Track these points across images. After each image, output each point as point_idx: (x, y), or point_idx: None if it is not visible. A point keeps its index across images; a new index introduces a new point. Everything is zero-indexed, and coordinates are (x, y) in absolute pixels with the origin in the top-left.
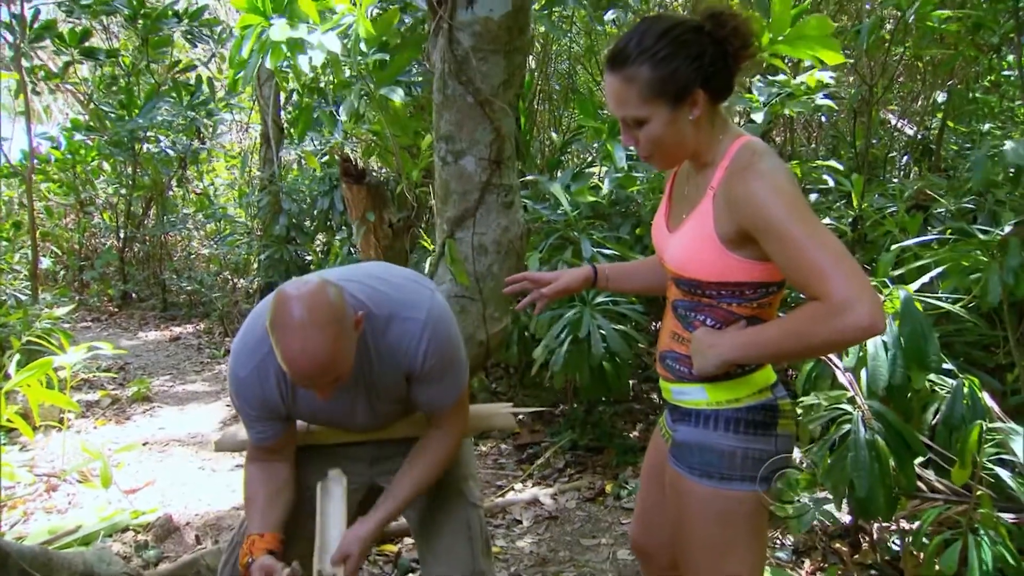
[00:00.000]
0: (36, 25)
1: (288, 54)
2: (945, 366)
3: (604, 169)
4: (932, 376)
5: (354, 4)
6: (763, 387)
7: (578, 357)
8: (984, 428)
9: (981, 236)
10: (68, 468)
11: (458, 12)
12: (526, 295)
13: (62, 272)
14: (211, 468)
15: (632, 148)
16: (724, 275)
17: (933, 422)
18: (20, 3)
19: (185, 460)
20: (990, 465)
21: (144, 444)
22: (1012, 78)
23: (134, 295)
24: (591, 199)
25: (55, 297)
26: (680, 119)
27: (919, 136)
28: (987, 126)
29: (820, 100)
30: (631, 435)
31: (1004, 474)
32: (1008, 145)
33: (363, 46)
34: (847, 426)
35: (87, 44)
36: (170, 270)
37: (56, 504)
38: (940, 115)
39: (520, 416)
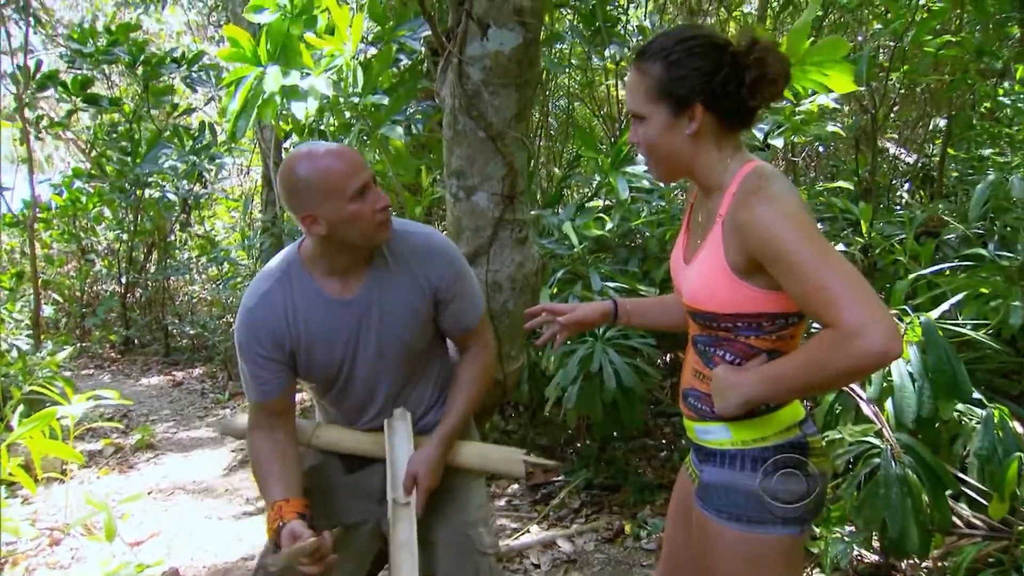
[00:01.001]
0: (39, 75)
1: (281, 103)
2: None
3: (606, 202)
4: (960, 406)
5: (345, 48)
6: (790, 424)
7: (591, 393)
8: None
9: (1000, 262)
10: (72, 521)
11: (468, 47)
12: (540, 333)
13: (64, 320)
14: (217, 517)
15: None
16: (739, 306)
17: (963, 454)
18: (23, 54)
19: (190, 509)
20: None
21: (148, 493)
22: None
23: (136, 341)
24: (596, 232)
25: (56, 345)
26: (677, 129)
27: (919, 163)
28: (988, 152)
29: (829, 128)
30: (646, 472)
31: None
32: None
33: (355, 86)
34: (876, 460)
35: (89, 92)
36: (172, 315)
37: (59, 559)
38: (939, 142)
39: (529, 464)
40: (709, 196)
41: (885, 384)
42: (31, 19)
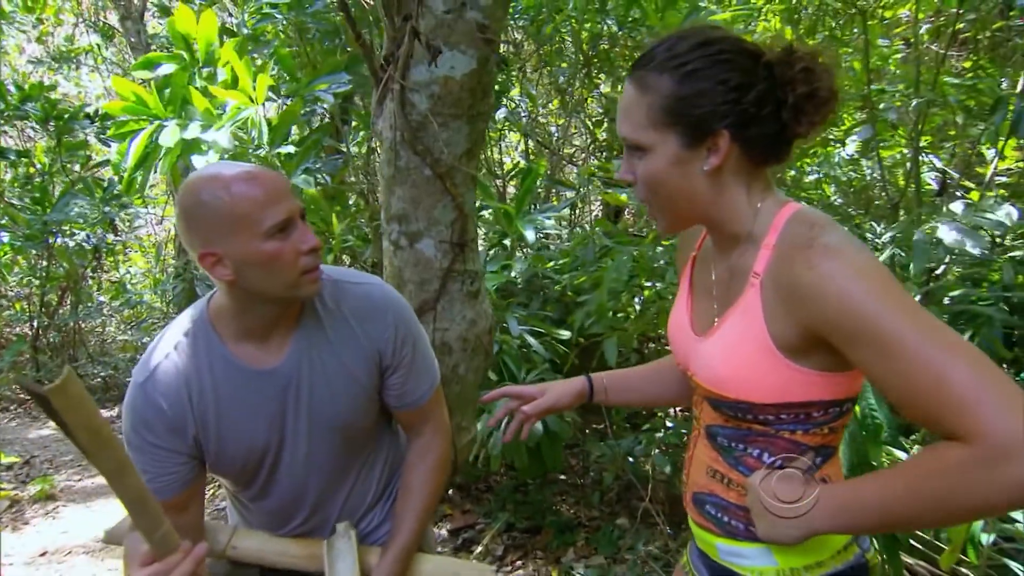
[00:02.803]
0: None
1: (181, 156)
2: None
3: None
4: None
5: (251, 100)
6: (848, 541)
7: (515, 438)
8: None
9: None
10: None
11: (413, 71)
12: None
13: None
14: None
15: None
16: (786, 394)
17: None
18: None
19: (88, 572)
20: (991, 551)
21: (41, 555)
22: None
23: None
24: (502, 279)
25: None
26: (692, 163)
27: None
28: None
29: None
30: (563, 510)
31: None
32: (944, 231)
33: (265, 138)
34: None
35: None
36: (84, 357)
37: None
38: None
39: None
40: (731, 249)
41: None
42: None
